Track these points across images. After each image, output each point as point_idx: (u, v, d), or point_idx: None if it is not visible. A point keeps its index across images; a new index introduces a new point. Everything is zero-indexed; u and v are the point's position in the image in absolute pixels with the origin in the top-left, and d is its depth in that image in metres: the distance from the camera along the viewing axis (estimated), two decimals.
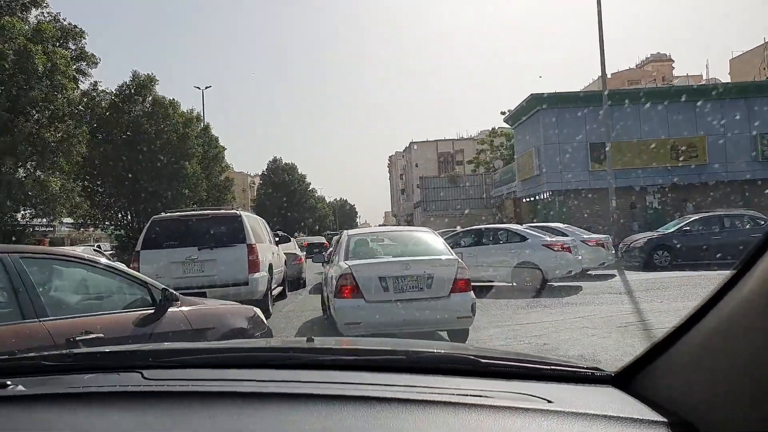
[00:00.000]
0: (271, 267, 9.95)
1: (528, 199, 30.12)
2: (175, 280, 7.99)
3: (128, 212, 31.24)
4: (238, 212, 9.81)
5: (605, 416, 0.97)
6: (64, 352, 1.56)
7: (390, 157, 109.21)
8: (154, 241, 8.96)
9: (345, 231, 7.82)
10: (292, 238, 18.49)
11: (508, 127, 44.76)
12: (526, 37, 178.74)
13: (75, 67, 20.47)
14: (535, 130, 27.21)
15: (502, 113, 42.67)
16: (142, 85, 30.89)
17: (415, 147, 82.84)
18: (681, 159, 25.32)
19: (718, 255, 13.92)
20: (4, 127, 17.88)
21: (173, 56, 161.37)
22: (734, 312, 0.87)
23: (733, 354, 0.86)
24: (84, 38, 21.55)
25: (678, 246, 15.64)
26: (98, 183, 30.31)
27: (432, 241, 7.15)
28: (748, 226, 15.83)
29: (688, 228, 15.95)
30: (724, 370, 0.87)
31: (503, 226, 14.81)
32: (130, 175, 28.98)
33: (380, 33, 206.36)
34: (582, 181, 25.85)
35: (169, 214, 9.99)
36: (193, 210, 12.32)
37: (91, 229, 36.25)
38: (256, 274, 8.94)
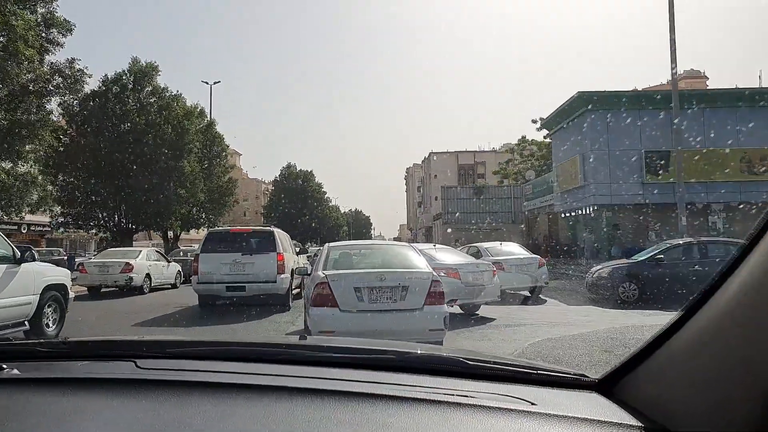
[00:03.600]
0: (293, 271, 11.95)
1: (568, 214, 26.55)
2: (224, 276, 11.39)
3: (116, 213, 28.10)
4: (271, 229, 12.60)
5: (586, 419, 1.00)
6: (59, 340, 1.72)
7: (407, 168, 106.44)
8: (210, 247, 11.84)
9: (327, 243, 8.09)
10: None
11: (538, 138, 41.67)
12: (553, 52, 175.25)
13: (43, 36, 17.24)
14: (580, 134, 23.72)
15: (534, 121, 39.37)
16: (142, 73, 28.03)
17: (435, 158, 79.75)
18: (754, 172, 21.68)
19: (693, 290, 10.67)
20: None
21: (187, 60, 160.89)
22: (713, 320, 0.89)
23: (710, 362, 0.88)
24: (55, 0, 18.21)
25: (648, 277, 12.84)
26: (81, 178, 27.18)
27: (410, 254, 7.32)
28: (725, 254, 12.72)
29: (661, 257, 13.15)
30: (701, 377, 0.89)
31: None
32: (118, 172, 25.93)
33: (401, 45, 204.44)
34: (634, 194, 22.29)
35: (220, 228, 14.51)
36: (239, 226, 14.74)
37: (93, 231, 33.21)
38: (282, 276, 11.59)
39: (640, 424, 0.97)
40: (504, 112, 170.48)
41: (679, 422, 0.91)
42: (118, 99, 27.13)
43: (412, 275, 6.45)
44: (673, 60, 16.85)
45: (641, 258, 13.88)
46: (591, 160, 22.83)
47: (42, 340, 1.51)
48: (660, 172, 21.94)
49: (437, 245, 12.36)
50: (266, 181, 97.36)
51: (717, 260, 13.04)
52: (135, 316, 11.66)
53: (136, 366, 1.26)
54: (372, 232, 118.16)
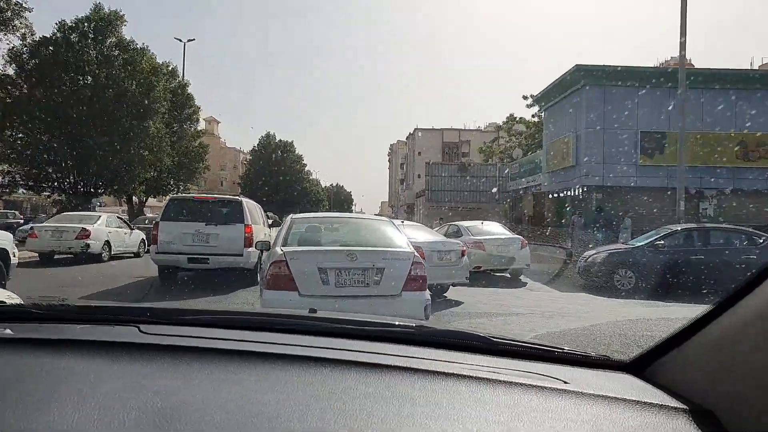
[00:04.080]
0: None
1: (556, 195, 25.47)
2: (185, 246, 10.74)
3: (71, 174, 26.05)
4: (239, 198, 12.05)
5: (624, 400, 0.97)
6: (56, 303, 1.48)
7: (391, 145, 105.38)
8: (171, 215, 11.12)
9: (291, 215, 7.10)
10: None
11: (526, 117, 40.48)
12: (545, 32, 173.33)
13: None
14: (575, 111, 22.43)
15: (525, 97, 38.07)
16: (105, 21, 25.76)
17: (419, 134, 78.68)
18: (749, 159, 20.77)
19: (694, 280, 10.78)
20: None
21: (163, 21, 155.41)
22: (757, 311, 0.87)
23: (752, 350, 0.87)
24: None
25: (646, 264, 11.94)
26: (32, 134, 24.88)
27: (388, 231, 6.37)
28: (740, 245, 12.23)
29: (662, 242, 12.24)
30: (750, 359, 0.87)
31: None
32: (75, 130, 23.89)
33: (389, 18, 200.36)
34: (627, 176, 21.22)
35: (184, 194, 13.00)
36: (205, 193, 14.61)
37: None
38: (250, 249, 10.76)
39: (683, 406, 0.95)
40: (490, 93, 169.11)
41: (723, 405, 0.89)
42: (75, 49, 24.84)
43: (389, 255, 5.57)
44: (683, 33, 15.60)
45: (639, 243, 12.81)
46: (584, 138, 21.65)
47: (38, 302, 1.42)
48: (655, 154, 20.89)
49: (405, 221, 11.54)
50: (245, 151, 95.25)
51: (721, 248, 12.11)
52: (86, 287, 10.74)
53: (140, 331, 1.22)
54: (353, 207, 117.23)
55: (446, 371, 1.03)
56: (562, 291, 12.44)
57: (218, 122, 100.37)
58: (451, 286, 10.40)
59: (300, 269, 5.26)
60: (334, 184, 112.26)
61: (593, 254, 13.01)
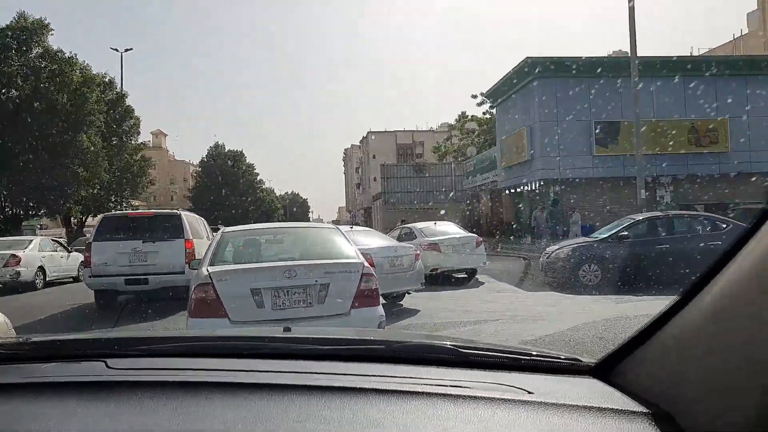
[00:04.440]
0: None
1: (512, 190, 25.11)
2: (122, 268, 10.11)
3: None
4: (178, 211, 11.52)
5: (585, 407, 0.98)
6: (21, 340, 1.48)
7: (345, 150, 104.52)
8: (105, 235, 10.45)
9: (222, 228, 6.35)
10: None
11: (478, 115, 40.27)
12: (493, 30, 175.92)
13: None
14: (527, 104, 22.12)
15: (474, 96, 37.87)
16: (28, 31, 23.91)
17: (373, 137, 78.09)
18: (701, 144, 20.88)
19: (661, 270, 10.38)
20: None
21: (100, 30, 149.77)
22: (716, 302, 0.86)
23: (714, 344, 0.85)
24: None
25: (611, 257, 11.49)
26: None
27: (334, 239, 5.67)
28: (704, 231, 11.89)
29: (626, 233, 11.80)
30: (705, 360, 0.87)
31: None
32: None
33: (337, 22, 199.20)
34: (584, 168, 21.00)
35: (117, 212, 13.23)
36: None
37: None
38: None
39: (644, 409, 0.94)
40: (442, 93, 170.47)
41: (682, 408, 0.89)
42: None
43: (334, 268, 4.94)
44: (632, 19, 15.34)
45: (603, 236, 12.32)
46: (539, 131, 21.31)
47: (2, 342, 1.40)
48: (610, 144, 20.74)
49: (354, 227, 11.03)
50: (194, 163, 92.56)
51: (685, 236, 11.72)
52: (15, 319, 9.45)
53: (107, 366, 1.18)
54: (310, 215, 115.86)
55: (413, 390, 1.03)
56: (528, 290, 11.90)
57: (165, 135, 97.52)
58: (406, 294, 9.79)
59: (229, 292, 4.59)
60: (290, 192, 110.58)
61: (556, 250, 12.47)
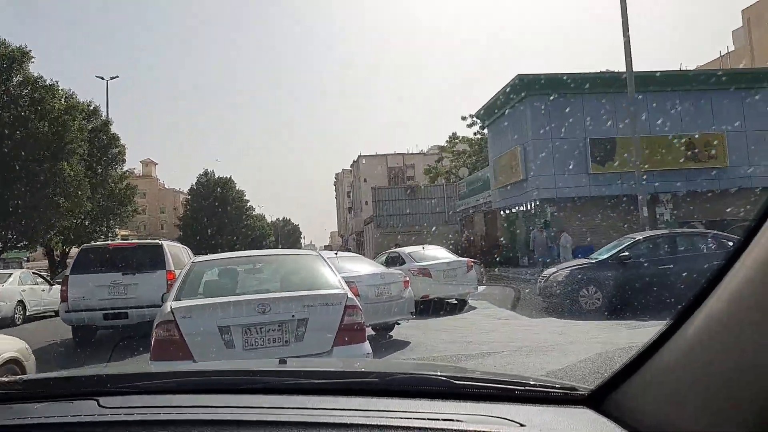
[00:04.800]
0: None
1: (507, 211, 24.51)
2: (100, 302, 9.78)
3: None
4: (159, 242, 11.07)
5: None
6: (13, 379, 1.49)
7: (336, 174, 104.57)
8: (83, 267, 10.13)
9: (192, 258, 6.29)
10: None
11: (468, 136, 40.01)
12: (482, 51, 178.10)
13: None
14: (520, 123, 21.66)
15: (464, 118, 37.63)
16: (9, 59, 23.36)
17: (364, 161, 78.11)
18: (699, 159, 20.43)
19: (666, 292, 9.63)
20: None
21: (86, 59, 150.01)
22: (705, 328, 0.85)
23: (704, 372, 0.84)
24: None
25: (612, 279, 10.86)
26: None
27: (316, 267, 5.12)
28: (709, 250, 11.32)
29: (626, 254, 11.18)
30: (698, 386, 0.85)
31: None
32: None
33: (327, 48, 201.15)
34: (581, 186, 20.46)
35: (97, 243, 13.78)
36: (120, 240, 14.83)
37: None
38: None
39: None
40: (432, 116, 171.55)
41: None
42: None
43: (314, 300, 4.43)
44: (626, 32, 14.95)
45: (603, 257, 11.70)
46: (532, 150, 20.81)
47: None
48: (606, 161, 20.26)
49: (340, 252, 10.54)
50: (184, 191, 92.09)
51: (690, 255, 11.02)
52: None
53: (99, 405, 1.18)
54: (302, 240, 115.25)
55: (405, 425, 1.04)
56: (530, 317, 11.29)
57: (155, 164, 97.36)
58: (396, 324, 9.21)
59: (194, 330, 4.13)
60: (281, 219, 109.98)
61: (553, 273, 11.86)
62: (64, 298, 9.93)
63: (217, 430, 1.03)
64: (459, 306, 12.65)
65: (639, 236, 11.99)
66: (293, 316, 4.28)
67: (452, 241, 31.18)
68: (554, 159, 20.54)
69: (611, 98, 20.03)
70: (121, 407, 1.16)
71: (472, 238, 32.77)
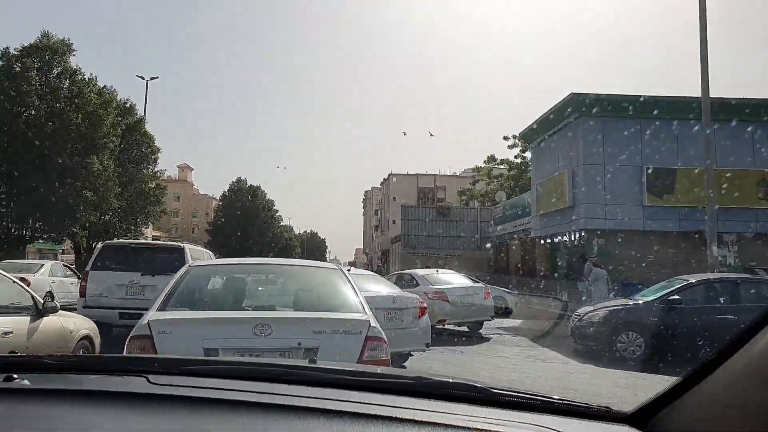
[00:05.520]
0: None
1: (548, 240, 22.89)
2: (117, 300, 9.67)
3: (3, 218, 22.78)
4: (181, 245, 11.25)
5: None
6: (67, 354, 1.72)
7: (366, 192, 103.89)
8: (103, 263, 10.12)
9: (189, 262, 5.69)
10: None
11: (509, 158, 38.40)
12: (520, 75, 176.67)
13: None
14: (570, 145, 20.17)
15: (506, 138, 36.18)
16: (51, 50, 23.21)
17: (394, 179, 77.05)
18: None
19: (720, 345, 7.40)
20: None
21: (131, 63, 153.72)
22: (759, 357, 0.87)
23: (757, 398, 0.85)
24: None
25: (658, 326, 9.52)
26: None
27: (336, 283, 4.26)
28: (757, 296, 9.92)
29: (677, 297, 9.73)
30: (747, 413, 0.86)
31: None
32: (5, 168, 20.94)
33: (363, 63, 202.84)
34: (633, 219, 18.77)
35: (119, 240, 14.24)
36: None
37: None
38: None
39: None
40: (466, 140, 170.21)
41: None
42: (16, 80, 22.18)
43: (327, 325, 3.59)
44: (704, 53, 13.44)
45: (648, 298, 10.31)
46: (582, 176, 19.26)
47: (52, 354, 1.47)
48: (664, 193, 18.56)
49: (352, 269, 9.67)
50: (217, 197, 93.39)
51: (754, 304, 9.54)
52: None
53: (148, 381, 1.23)
54: (327, 254, 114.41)
55: (443, 422, 1.04)
56: (557, 356, 10.12)
57: (192, 169, 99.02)
58: (409, 355, 8.32)
59: (173, 350, 3.36)
60: (308, 231, 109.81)
61: (590, 312, 10.61)
62: (82, 293, 9.90)
63: (254, 412, 1.06)
64: (477, 334, 12.22)
65: (692, 278, 10.50)
66: (299, 343, 3.51)
67: (485, 267, 29.66)
68: (606, 187, 18.96)
69: (670, 125, 18.44)
70: (168, 384, 1.20)
71: (506, 266, 31.14)
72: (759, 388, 0.84)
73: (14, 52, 23.17)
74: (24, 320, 5.05)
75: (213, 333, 3.54)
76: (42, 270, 15.17)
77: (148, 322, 3.51)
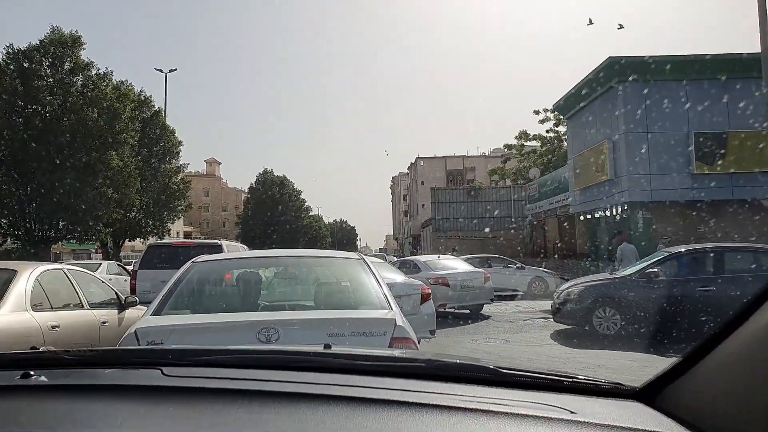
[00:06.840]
0: None
1: (588, 216, 21.62)
2: None
3: (25, 217, 22.64)
4: (219, 242, 12.14)
5: (631, 429, 0.96)
6: (83, 349, 1.57)
7: (393, 177, 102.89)
8: (149, 263, 11.11)
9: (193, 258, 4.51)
10: None
11: (542, 133, 36.79)
12: (544, 57, 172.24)
13: None
14: (610, 114, 18.76)
15: (536, 112, 34.61)
16: (61, 44, 22.84)
17: (422, 163, 75.87)
18: None
19: (702, 319, 7.51)
20: None
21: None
22: (763, 330, 0.86)
23: (763, 371, 0.85)
24: None
25: (634, 300, 9.16)
26: None
27: (357, 277, 3.82)
28: (755, 266, 9.13)
29: (655, 270, 9.27)
30: (755, 385, 0.86)
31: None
32: (26, 166, 20.68)
33: (386, 50, 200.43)
34: (681, 189, 17.40)
35: (162, 241, 16.57)
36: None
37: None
38: None
39: None
40: (493, 120, 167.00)
41: (730, 431, 0.88)
42: (28, 76, 21.88)
43: (344, 327, 3.02)
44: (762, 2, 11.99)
45: (627, 272, 9.92)
46: (624, 146, 17.92)
47: (67, 349, 1.50)
48: (714, 160, 17.11)
49: (362, 256, 9.06)
50: (246, 190, 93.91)
51: (741, 275, 8.83)
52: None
53: (163, 374, 1.23)
54: (358, 243, 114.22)
55: (455, 405, 1.05)
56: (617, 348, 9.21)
57: (219, 163, 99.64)
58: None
59: None
60: (338, 220, 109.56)
61: (568, 288, 10.38)
62: (132, 290, 10.53)
63: (269, 400, 1.06)
64: (478, 317, 12.49)
65: (677, 249, 9.90)
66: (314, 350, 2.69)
67: (520, 249, 28.52)
68: (649, 156, 17.57)
69: (719, 85, 16.92)
70: (183, 376, 1.21)
71: (543, 246, 29.90)
72: (766, 361, 0.83)
73: (23, 48, 22.71)
74: (113, 312, 6.00)
75: (208, 342, 3.04)
76: (101, 269, 16.49)
77: (135, 331, 3.09)
